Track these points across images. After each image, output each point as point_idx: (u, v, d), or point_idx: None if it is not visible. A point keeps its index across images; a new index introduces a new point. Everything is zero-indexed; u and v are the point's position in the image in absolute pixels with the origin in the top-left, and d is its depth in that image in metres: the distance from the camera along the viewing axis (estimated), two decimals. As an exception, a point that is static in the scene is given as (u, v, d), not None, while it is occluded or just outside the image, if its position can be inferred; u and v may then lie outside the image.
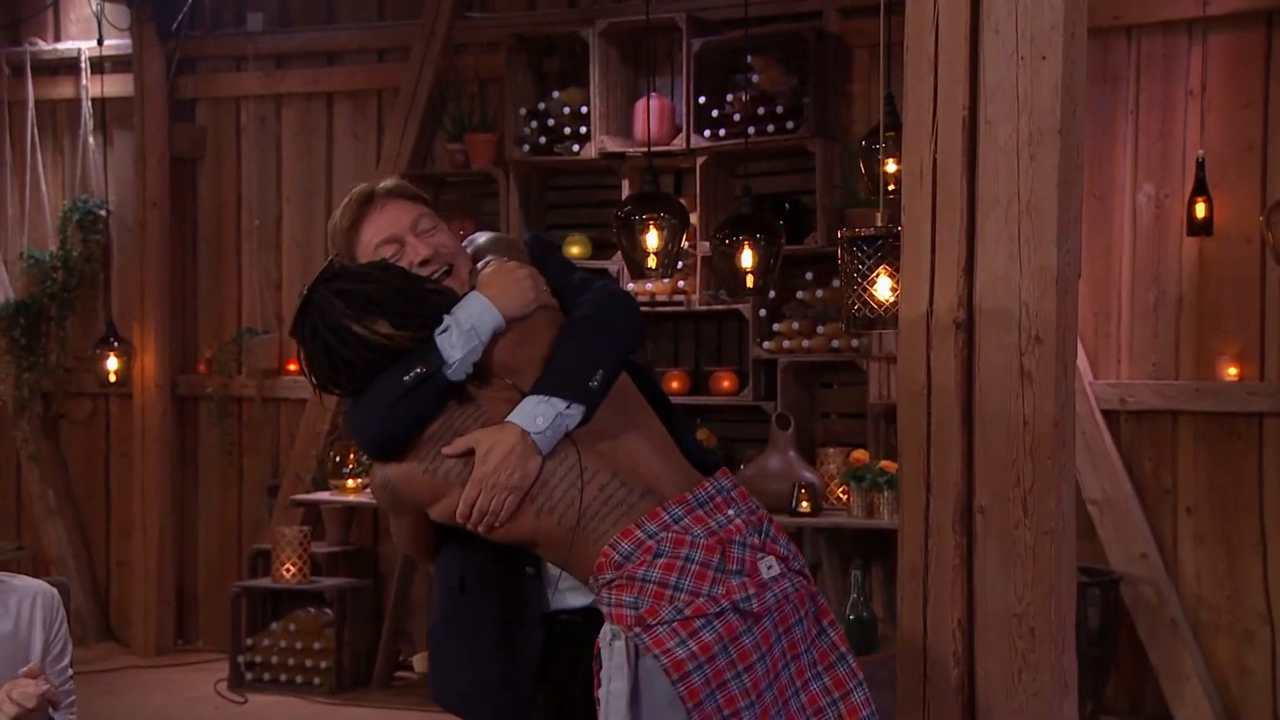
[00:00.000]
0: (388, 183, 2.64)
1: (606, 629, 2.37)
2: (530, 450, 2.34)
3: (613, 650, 2.33)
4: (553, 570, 2.51)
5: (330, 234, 2.64)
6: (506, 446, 2.33)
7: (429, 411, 2.39)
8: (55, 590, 2.86)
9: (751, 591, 2.32)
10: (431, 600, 2.73)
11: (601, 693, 2.36)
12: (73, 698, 2.84)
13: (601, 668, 2.37)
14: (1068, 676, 2.82)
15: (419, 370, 2.35)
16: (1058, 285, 2.80)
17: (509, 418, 2.36)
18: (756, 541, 2.38)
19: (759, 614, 2.32)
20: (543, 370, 2.40)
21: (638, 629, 2.30)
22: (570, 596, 2.53)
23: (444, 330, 2.38)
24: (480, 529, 2.37)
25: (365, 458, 2.57)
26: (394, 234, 2.55)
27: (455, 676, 2.58)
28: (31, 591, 2.81)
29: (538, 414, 2.34)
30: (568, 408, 2.35)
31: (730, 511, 2.40)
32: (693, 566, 2.32)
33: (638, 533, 2.34)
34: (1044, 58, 2.79)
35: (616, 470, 2.40)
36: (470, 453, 2.36)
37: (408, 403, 2.36)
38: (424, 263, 2.51)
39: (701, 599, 2.29)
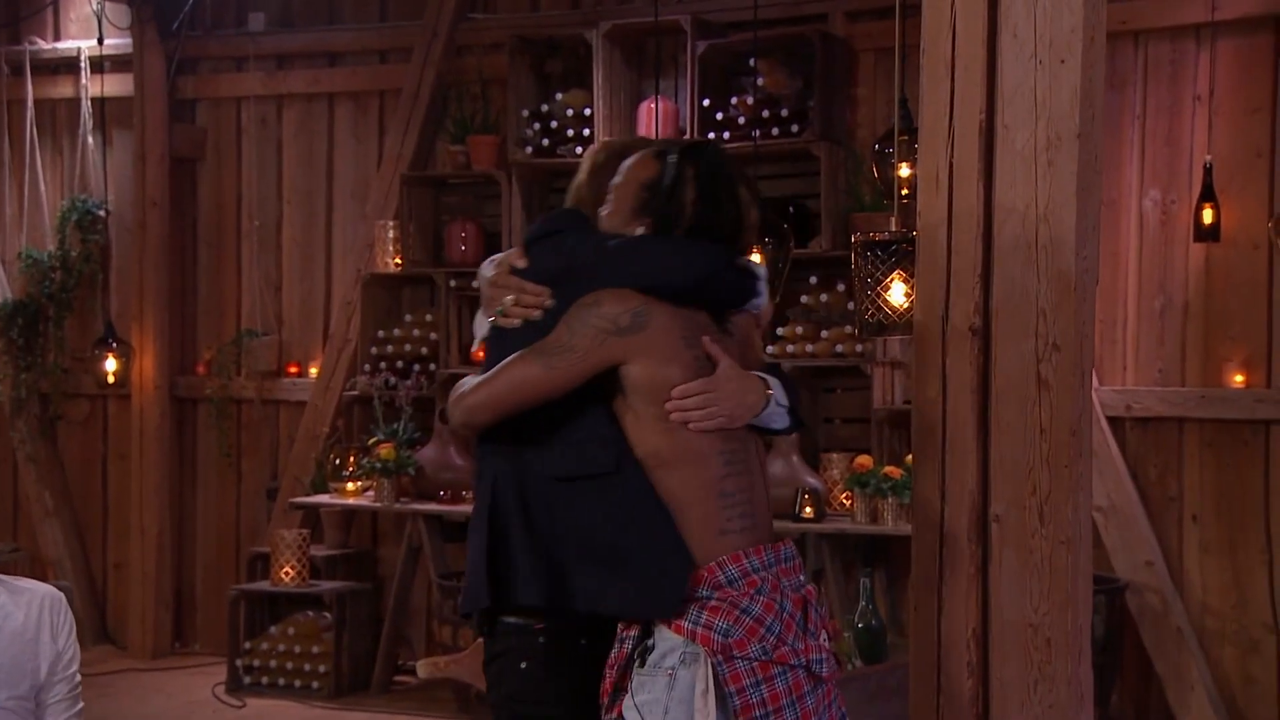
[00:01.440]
0: None
1: (676, 644, 2.31)
2: (756, 407, 2.45)
3: (674, 679, 2.30)
4: None
5: (619, 152, 2.61)
6: (749, 385, 2.44)
7: (728, 298, 2.48)
8: (62, 595, 2.82)
9: (823, 655, 2.37)
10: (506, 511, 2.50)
11: (645, 704, 2.30)
12: (80, 704, 2.80)
13: (628, 690, 2.32)
14: (1084, 688, 2.79)
15: (747, 272, 2.51)
16: (1076, 292, 2.78)
17: (758, 374, 2.47)
18: (824, 611, 2.45)
19: (824, 679, 2.36)
20: (778, 374, 2.55)
21: (720, 657, 2.28)
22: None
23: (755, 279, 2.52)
24: (679, 415, 2.36)
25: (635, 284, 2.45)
26: None
27: (599, 567, 2.41)
28: (40, 594, 2.77)
29: (778, 393, 2.49)
30: (787, 411, 2.51)
31: (801, 576, 2.45)
32: (784, 615, 2.34)
33: (745, 562, 2.35)
34: (1063, 61, 2.76)
35: (755, 486, 2.44)
36: (714, 363, 2.40)
37: (731, 277, 2.47)
38: None
39: (786, 648, 2.31)
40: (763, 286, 2.55)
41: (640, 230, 2.46)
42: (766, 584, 2.33)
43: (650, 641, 2.35)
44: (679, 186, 2.44)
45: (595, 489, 2.43)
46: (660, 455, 2.38)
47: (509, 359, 2.42)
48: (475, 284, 2.64)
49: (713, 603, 2.31)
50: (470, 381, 2.48)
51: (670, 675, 2.31)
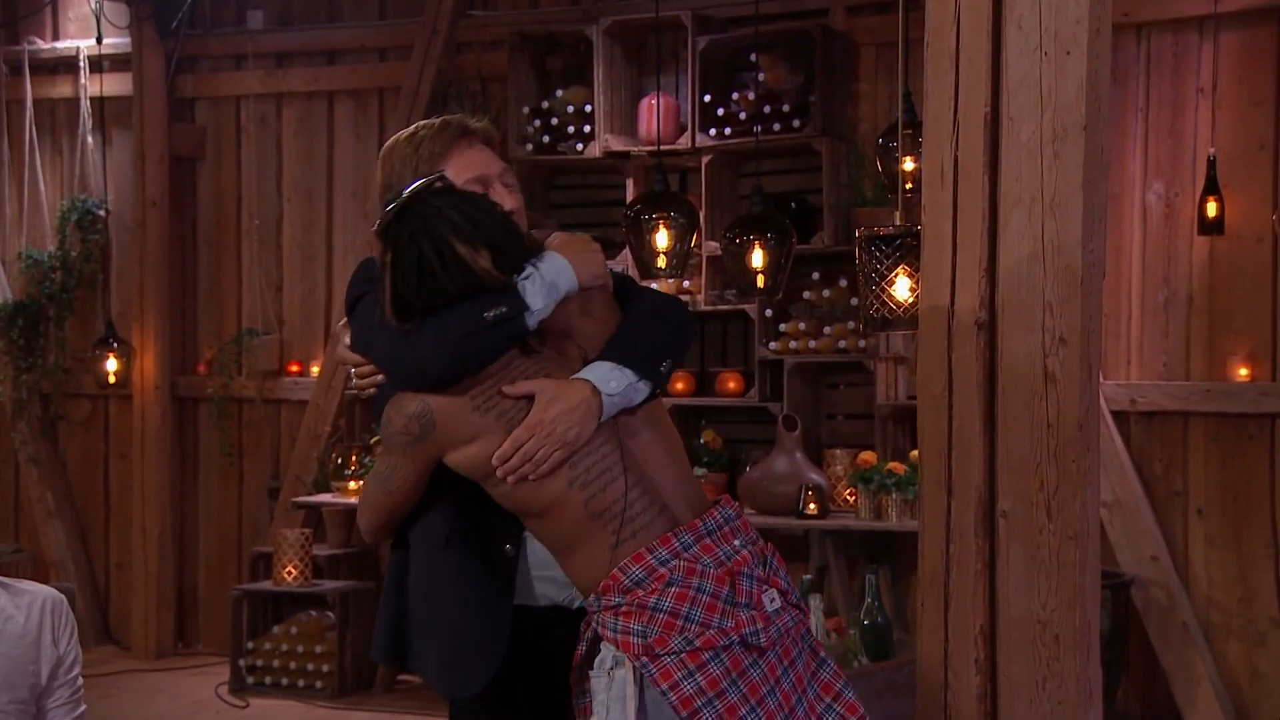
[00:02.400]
0: (480, 122, 2.54)
1: (607, 654, 2.31)
2: (594, 410, 2.29)
3: (612, 679, 2.29)
4: (533, 557, 2.46)
5: (399, 157, 2.46)
6: (573, 399, 2.28)
7: (499, 351, 2.30)
8: (64, 597, 2.80)
9: (760, 625, 2.29)
10: (390, 563, 2.59)
11: (600, 704, 2.32)
12: (82, 708, 2.78)
13: (589, 691, 2.33)
14: (1093, 685, 2.76)
15: (501, 310, 2.28)
16: (1083, 285, 2.75)
17: (580, 374, 2.32)
18: (761, 574, 2.35)
19: (765, 648, 2.29)
20: (614, 342, 2.37)
21: (645, 658, 2.25)
22: (540, 587, 2.48)
23: (526, 277, 2.31)
24: (512, 478, 2.28)
25: (396, 389, 2.39)
26: (485, 175, 2.46)
27: (421, 634, 2.49)
28: (41, 597, 2.75)
29: (611, 378, 2.31)
30: (639, 381, 2.33)
31: (736, 542, 2.36)
32: (704, 598, 2.27)
33: (649, 558, 2.29)
34: (1068, 53, 2.73)
35: (642, 477, 2.35)
36: (528, 398, 2.29)
37: (483, 338, 2.28)
38: (508, 214, 2.41)
39: (711, 631, 2.25)
40: (536, 293, 2.30)
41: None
42: (678, 572, 2.27)
43: (600, 645, 2.35)
44: (382, 275, 2.29)
45: (427, 557, 2.47)
46: (523, 510, 2.35)
47: (365, 484, 2.49)
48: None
49: (624, 608, 2.27)
50: (366, 491, 2.50)
51: (609, 675, 2.32)
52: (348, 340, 2.49)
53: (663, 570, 2.28)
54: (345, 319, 2.51)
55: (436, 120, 2.52)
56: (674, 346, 2.42)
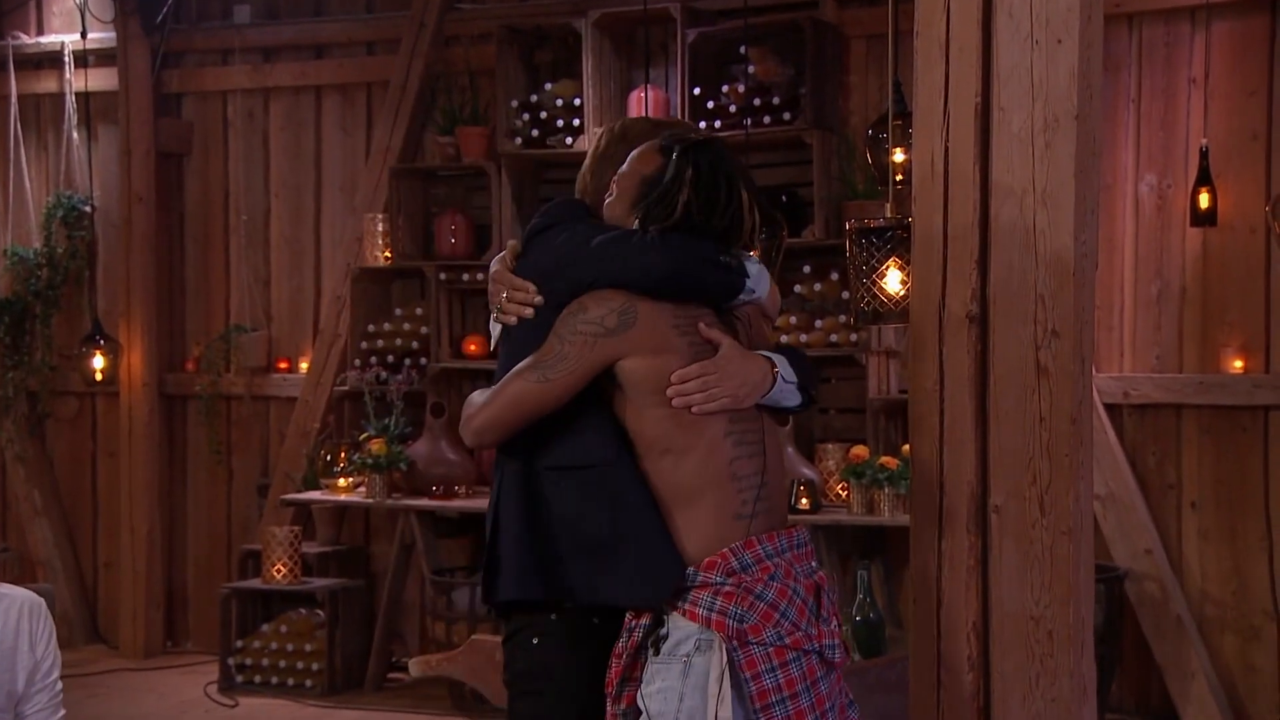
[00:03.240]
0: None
1: (682, 637, 2.32)
2: (766, 384, 2.46)
3: (690, 664, 2.30)
4: None
5: (620, 136, 2.64)
6: (755, 364, 2.46)
7: (713, 294, 2.46)
8: (42, 600, 2.75)
9: (835, 641, 2.38)
10: (514, 503, 2.50)
11: (660, 692, 2.28)
12: (62, 713, 2.74)
13: (634, 681, 2.32)
14: (1087, 681, 2.74)
15: (732, 261, 2.47)
16: (1075, 277, 2.72)
17: (763, 353, 2.48)
18: (832, 599, 2.45)
19: (834, 665, 2.37)
20: (785, 349, 2.57)
21: (735, 643, 2.29)
22: None
23: (749, 261, 2.52)
24: (681, 400, 2.37)
25: (621, 281, 2.49)
26: None
27: (595, 553, 2.42)
28: (18, 601, 2.70)
29: (784, 366, 2.49)
30: (798, 387, 2.51)
31: (813, 563, 2.46)
32: (798, 600, 2.35)
33: (759, 548, 2.36)
34: (1060, 41, 2.70)
35: (772, 469, 2.44)
36: (715, 346, 2.42)
37: (710, 272, 2.45)
38: None
39: (800, 633, 2.32)
40: (754, 281, 2.52)
41: (635, 222, 2.47)
42: (780, 569, 2.35)
43: (663, 630, 2.34)
44: (675, 185, 2.45)
45: (589, 480, 2.45)
46: (667, 444, 2.39)
47: (508, 376, 2.45)
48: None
49: (727, 588, 2.32)
50: (478, 399, 2.50)
51: (685, 662, 2.32)
52: (509, 260, 2.58)
53: (768, 563, 2.35)
54: (514, 242, 2.62)
55: (669, 118, 2.82)
56: (817, 382, 2.64)
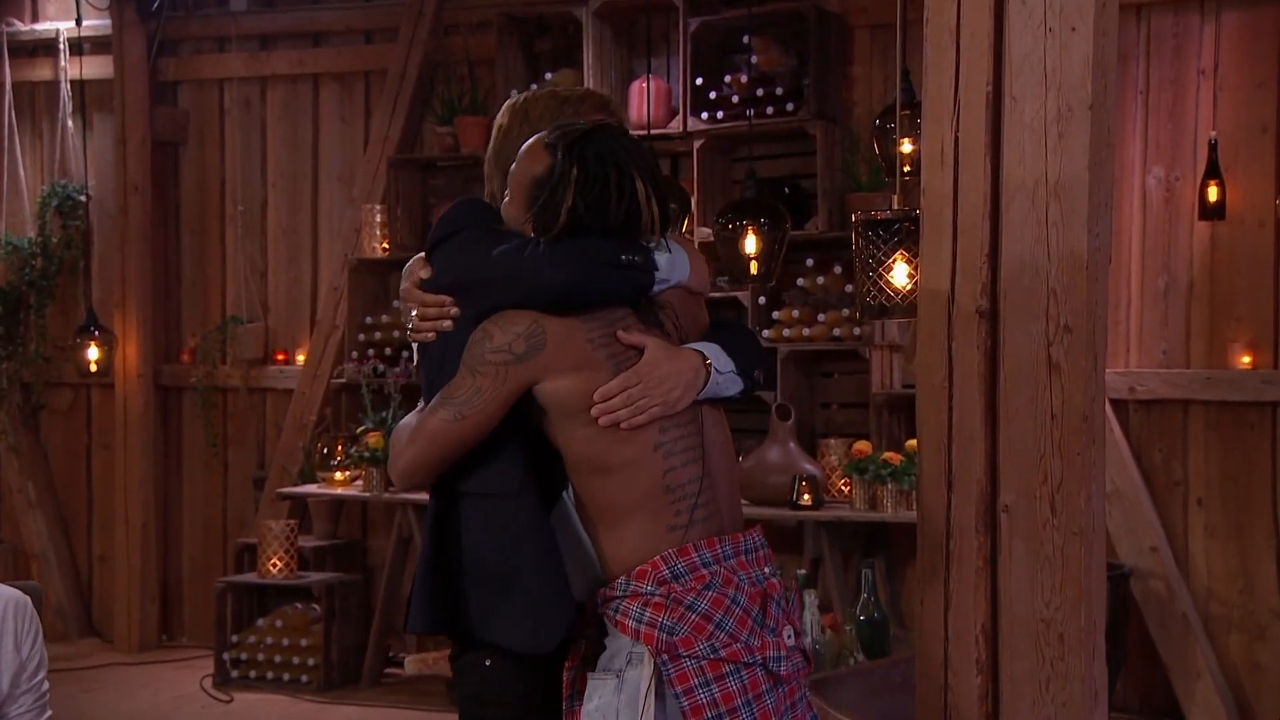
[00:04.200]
0: (613, 100, 2.61)
1: (617, 651, 2.23)
2: (700, 381, 2.33)
3: (623, 680, 2.20)
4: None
5: (541, 109, 2.48)
6: (685, 363, 2.32)
7: (621, 295, 2.32)
8: (29, 599, 2.68)
9: (782, 653, 2.25)
10: (429, 528, 2.45)
11: (598, 710, 2.22)
12: (49, 713, 2.67)
13: (581, 695, 2.23)
14: (1098, 685, 2.67)
15: (636, 258, 2.32)
16: (1088, 271, 2.64)
17: (693, 346, 2.34)
18: (785, 608, 2.32)
19: (782, 678, 2.24)
20: (719, 333, 2.43)
21: (665, 655, 2.17)
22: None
23: (656, 248, 2.36)
24: (607, 419, 2.24)
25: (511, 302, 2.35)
26: None
27: (488, 590, 2.35)
28: (4, 599, 2.63)
29: (721, 358, 2.36)
30: (736, 374, 2.37)
31: (766, 569, 2.33)
32: (737, 610, 2.22)
33: (694, 555, 2.24)
34: (1074, 29, 2.62)
35: (712, 471, 2.31)
36: (639, 350, 2.29)
37: (613, 275, 2.30)
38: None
39: (738, 645, 2.20)
40: (667, 268, 2.36)
41: (530, 226, 2.32)
42: (717, 578, 2.22)
43: (605, 641, 2.26)
44: (560, 188, 2.27)
45: (492, 510, 2.36)
46: (596, 462, 2.26)
47: (424, 413, 2.32)
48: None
49: (656, 599, 2.21)
50: (403, 436, 2.36)
51: (619, 677, 2.23)
52: (422, 274, 2.42)
53: (704, 572, 2.23)
54: (421, 254, 2.46)
55: (579, 88, 2.61)
56: (763, 360, 2.49)
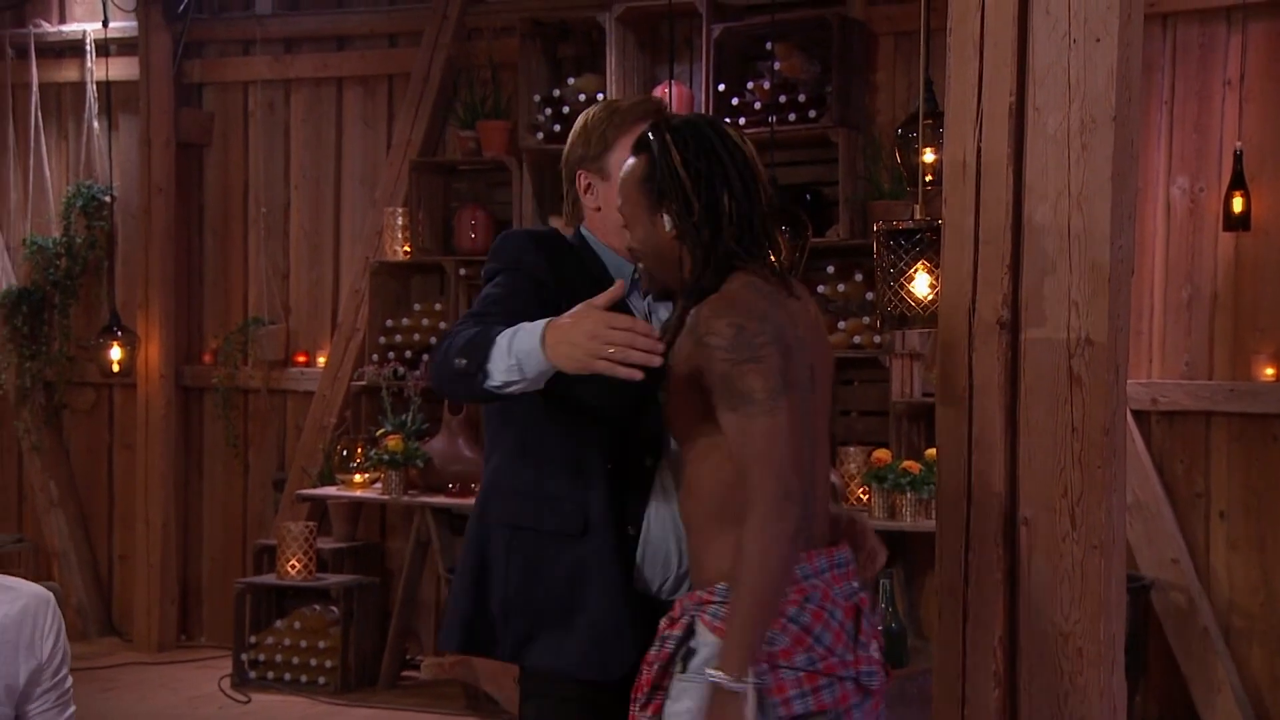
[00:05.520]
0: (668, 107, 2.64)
1: (712, 654, 2.21)
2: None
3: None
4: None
5: (596, 120, 2.57)
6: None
7: (471, 399, 2.35)
8: (51, 595, 2.68)
9: (873, 668, 2.29)
10: (473, 552, 2.54)
11: (687, 711, 2.22)
12: (72, 709, 2.67)
13: (664, 690, 2.24)
14: (1117, 700, 2.66)
15: (462, 363, 2.27)
16: (1110, 283, 2.64)
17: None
18: (873, 621, 2.36)
19: (872, 692, 2.28)
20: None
21: (764, 665, 2.19)
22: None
23: (504, 338, 2.25)
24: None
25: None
26: None
27: (550, 622, 2.44)
28: (25, 595, 2.63)
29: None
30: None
31: (855, 583, 2.35)
32: (834, 624, 2.26)
33: (796, 569, 2.25)
34: (1098, 40, 2.62)
35: (817, 486, 2.33)
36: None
37: (451, 382, 2.32)
38: None
39: (834, 659, 2.23)
40: (505, 365, 2.23)
41: (667, 223, 2.32)
42: (817, 591, 2.26)
43: (693, 644, 2.26)
44: (668, 154, 2.30)
45: (550, 548, 2.43)
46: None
47: (754, 428, 2.19)
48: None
49: None
50: (768, 464, 2.21)
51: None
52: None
53: (804, 585, 2.25)
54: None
55: (638, 96, 2.69)
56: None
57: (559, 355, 2.19)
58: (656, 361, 2.17)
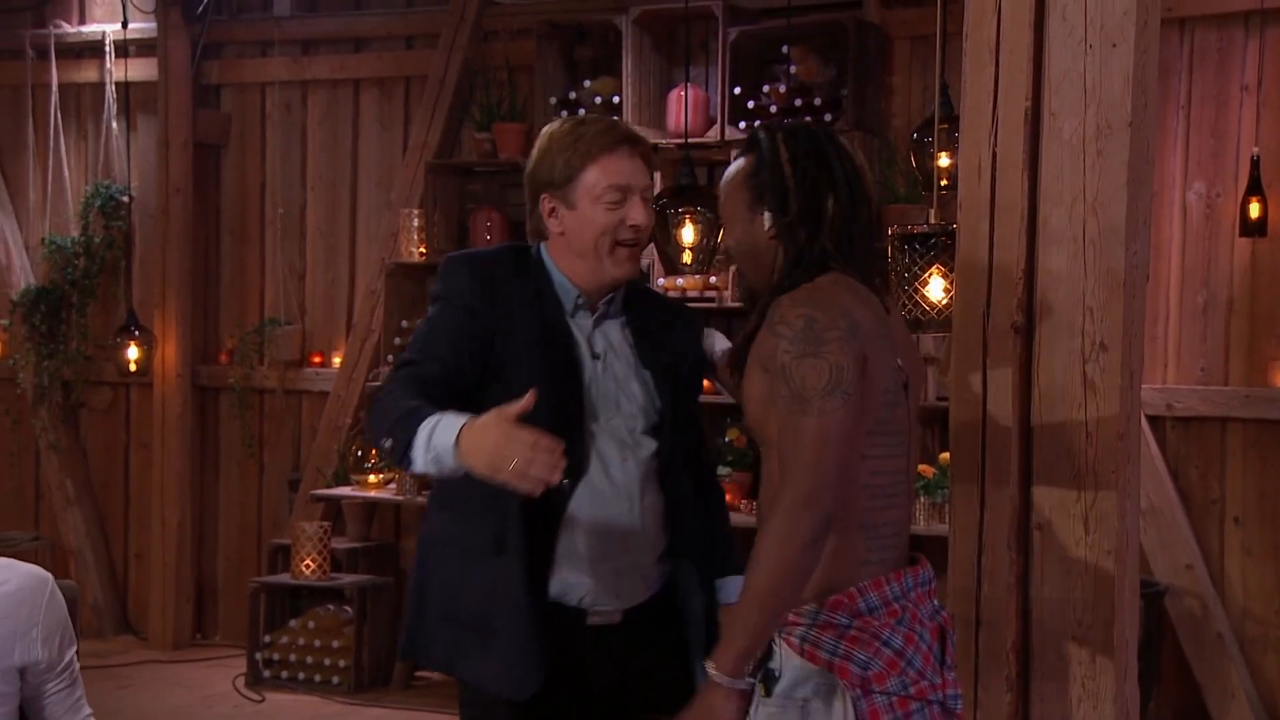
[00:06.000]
0: (639, 133, 2.63)
1: (809, 673, 2.15)
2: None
3: (807, 710, 2.15)
4: (587, 548, 2.49)
5: (559, 142, 2.55)
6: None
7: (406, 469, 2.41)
8: (50, 576, 2.67)
9: (958, 692, 2.23)
10: (419, 565, 2.68)
11: None
12: (82, 689, 2.66)
13: (765, 705, 2.17)
14: (1130, 705, 2.66)
15: (389, 444, 2.37)
16: (1125, 288, 2.64)
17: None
18: (954, 643, 2.30)
19: (956, 716, 2.23)
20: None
21: (859, 690, 2.13)
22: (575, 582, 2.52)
23: (426, 428, 2.30)
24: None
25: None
26: (628, 184, 2.53)
27: (469, 635, 2.53)
28: (23, 574, 2.63)
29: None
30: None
31: (936, 601, 2.29)
32: (923, 646, 2.20)
33: (886, 589, 2.19)
34: (1114, 46, 2.62)
35: (907, 508, 2.30)
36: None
37: (386, 455, 2.44)
38: (634, 228, 2.53)
39: (925, 683, 2.17)
40: (427, 456, 2.31)
41: (766, 220, 2.28)
42: (906, 613, 2.18)
43: (773, 666, 2.17)
44: (776, 151, 2.27)
45: (472, 559, 2.51)
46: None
47: (790, 424, 2.13)
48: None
49: (852, 632, 2.15)
50: (788, 474, 2.17)
51: (803, 707, 2.16)
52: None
53: (895, 606, 2.19)
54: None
55: (604, 118, 2.66)
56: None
57: (469, 459, 2.25)
58: (555, 479, 2.19)
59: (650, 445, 2.56)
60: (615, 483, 2.52)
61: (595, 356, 2.56)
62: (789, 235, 2.26)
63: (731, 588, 2.57)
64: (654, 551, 2.58)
